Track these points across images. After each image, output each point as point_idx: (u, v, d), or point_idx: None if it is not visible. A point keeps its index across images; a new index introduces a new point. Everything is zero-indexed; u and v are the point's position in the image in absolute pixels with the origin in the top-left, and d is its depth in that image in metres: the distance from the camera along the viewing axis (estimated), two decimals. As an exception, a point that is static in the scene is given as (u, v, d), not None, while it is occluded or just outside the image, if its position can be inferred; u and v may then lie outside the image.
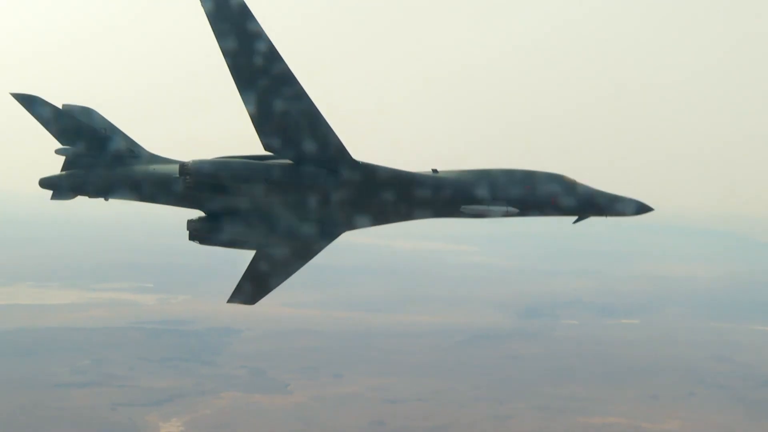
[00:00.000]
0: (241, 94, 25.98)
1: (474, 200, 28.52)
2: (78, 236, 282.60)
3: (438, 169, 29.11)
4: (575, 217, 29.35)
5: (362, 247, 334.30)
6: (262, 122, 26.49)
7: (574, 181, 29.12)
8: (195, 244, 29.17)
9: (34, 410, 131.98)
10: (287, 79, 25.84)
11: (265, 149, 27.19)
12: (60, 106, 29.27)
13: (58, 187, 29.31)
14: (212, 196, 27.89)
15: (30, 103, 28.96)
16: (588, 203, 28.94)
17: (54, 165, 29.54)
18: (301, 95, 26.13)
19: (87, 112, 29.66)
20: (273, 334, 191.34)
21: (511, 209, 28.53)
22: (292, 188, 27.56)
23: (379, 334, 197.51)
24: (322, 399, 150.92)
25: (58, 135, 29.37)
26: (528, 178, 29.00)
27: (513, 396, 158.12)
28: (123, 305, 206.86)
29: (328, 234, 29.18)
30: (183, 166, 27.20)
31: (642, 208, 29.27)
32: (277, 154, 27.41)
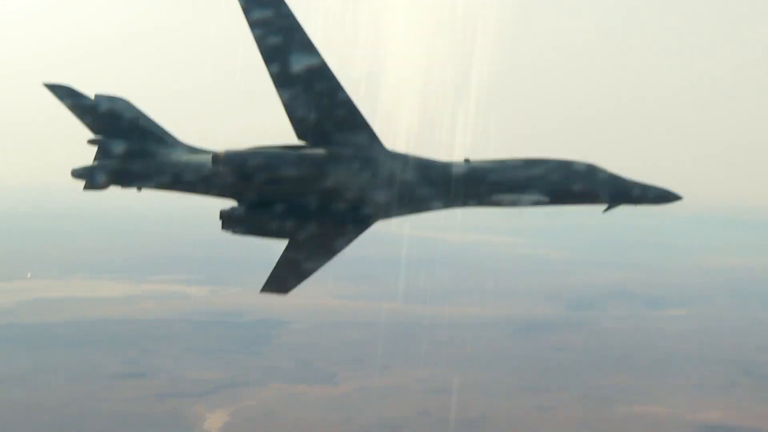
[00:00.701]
0: (274, 84, 26.38)
1: (506, 189, 28.64)
2: (125, 228, 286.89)
3: (470, 159, 29.26)
4: (605, 206, 29.34)
5: (414, 239, 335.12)
6: (295, 112, 26.90)
7: (605, 169, 29.10)
8: (230, 235, 29.20)
9: (82, 401, 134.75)
10: (321, 68, 26.22)
11: (299, 139, 27.64)
12: (92, 96, 29.36)
13: (91, 177, 29.26)
14: (245, 186, 28.07)
15: (62, 93, 29.04)
16: (618, 192, 28.99)
17: (86, 155, 29.56)
18: (334, 85, 26.54)
19: (119, 102, 29.72)
20: (321, 326, 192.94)
21: (542, 198, 28.66)
22: (325, 177, 27.72)
23: (427, 326, 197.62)
24: (367, 390, 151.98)
25: (91, 125, 29.46)
26: (559, 166, 29.03)
27: (557, 386, 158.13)
28: (174, 297, 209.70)
29: (361, 223, 29.24)
30: (216, 156, 27.45)
31: (671, 197, 29.28)
32: (310, 143, 27.76)
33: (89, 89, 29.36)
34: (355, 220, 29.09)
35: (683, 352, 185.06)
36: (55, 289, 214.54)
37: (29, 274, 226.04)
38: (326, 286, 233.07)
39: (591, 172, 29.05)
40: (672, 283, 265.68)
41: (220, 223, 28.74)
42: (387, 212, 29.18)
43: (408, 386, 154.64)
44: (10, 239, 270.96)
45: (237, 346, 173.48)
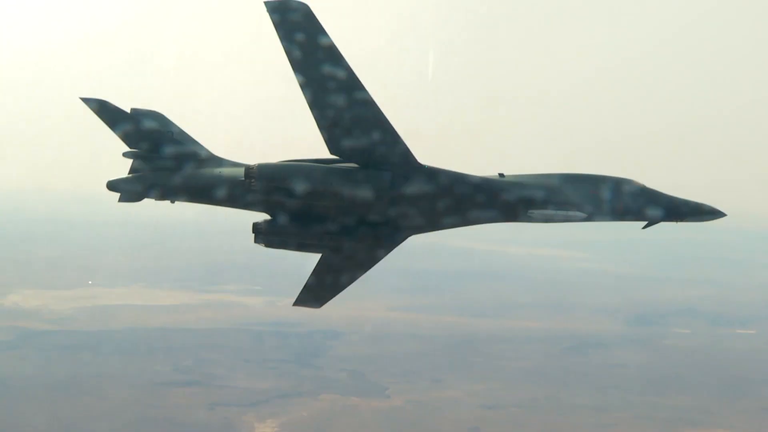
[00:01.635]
0: (306, 99, 26.30)
1: (541, 204, 28.41)
2: (183, 239, 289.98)
3: (504, 173, 29.05)
4: (645, 223, 28.93)
5: (474, 252, 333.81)
6: (327, 126, 26.80)
7: (644, 185, 28.86)
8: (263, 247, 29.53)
9: (133, 408, 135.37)
10: (352, 83, 26.06)
11: (331, 153, 27.58)
12: (128, 110, 29.83)
13: (126, 190, 29.80)
14: (278, 200, 28.18)
15: (99, 107, 29.58)
16: (658, 209, 28.55)
17: (121, 168, 30.29)
18: (366, 99, 26.36)
19: (155, 116, 30.13)
20: (376, 338, 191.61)
21: (579, 214, 28.33)
22: (357, 192, 27.62)
23: (484, 340, 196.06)
24: (419, 403, 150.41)
25: (126, 138, 29.97)
26: (596, 182, 28.75)
27: (616, 405, 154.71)
28: (231, 307, 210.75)
29: (394, 238, 29.39)
30: (248, 169, 27.55)
31: (714, 214, 28.71)
32: (343, 158, 27.75)
33: (125, 104, 30.04)
34: (388, 234, 29.23)
35: (750, 372, 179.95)
36: (115, 297, 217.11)
37: (90, 282, 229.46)
38: (383, 298, 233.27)
39: (629, 187, 28.74)
40: (740, 300, 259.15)
41: (252, 236, 29.02)
42: (420, 227, 29.33)
43: (460, 400, 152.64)
44: (68, 247, 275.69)
45: (291, 356, 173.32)
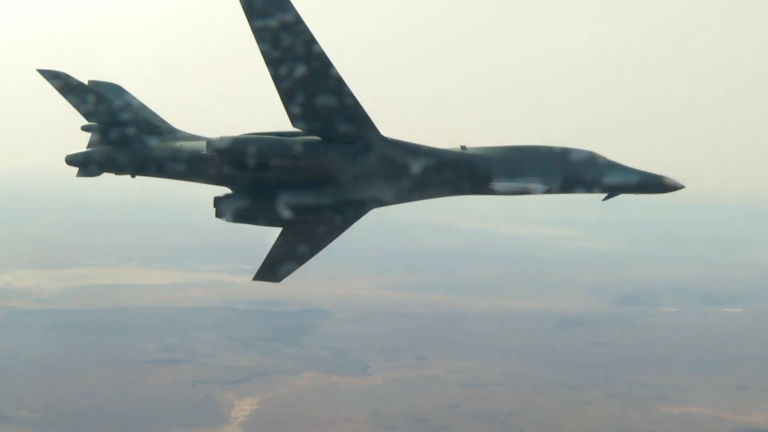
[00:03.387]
0: (269, 70, 25.96)
1: (503, 177, 28.55)
2: (175, 218, 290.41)
3: (466, 146, 29.07)
4: (605, 195, 29.26)
5: (466, 231, 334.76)
6: (290, 98, 26.55)
7: (604, 157, 29.00)
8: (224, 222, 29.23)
9: (117, 385, 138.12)
10: (317, 55, 25.80)
11: (293, 126, 27.42)
12: (86, 82, 29.50)
13: (85, 164, 29.47)
14: (240, 173, 27.88)
15: (56, 79, 28.93)
16: (618, 180, 28.77)
17: (80, 142, 29.85)
18: (330, 72, 26.15)
19: (113, 88, 30.04)
20: (363, 317, 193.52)
21: (540, 186, 28.55)
22: (320, 165, 27.56)
23: (469, 318, 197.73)
24: (399, 381, 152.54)
25: (84, 111, 29.58)
26: (557, 154, 28.92)
27: (594, 383, 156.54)
28: (221, 286, 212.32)
29: (356, 211, 29.08)
30: (210, 143, 27.41)
31: (673, 186, 29.07)
32: (305, 130, 27.65)
33: (84, 76, 29.62)
34: (351, 207, 28.95)
35: (733, 351, 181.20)
36: (107, 276, 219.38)
37: (83, 262, 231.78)
38: (373, 277, 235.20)
39: (591, 159, 28.89)
40: (730, 279, 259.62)
41: (213, 210, 28.67)
42: (382, 200, 29.11)
43: (442, 378, 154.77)
44: (60, 227, 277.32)
45: (276, 335, 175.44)
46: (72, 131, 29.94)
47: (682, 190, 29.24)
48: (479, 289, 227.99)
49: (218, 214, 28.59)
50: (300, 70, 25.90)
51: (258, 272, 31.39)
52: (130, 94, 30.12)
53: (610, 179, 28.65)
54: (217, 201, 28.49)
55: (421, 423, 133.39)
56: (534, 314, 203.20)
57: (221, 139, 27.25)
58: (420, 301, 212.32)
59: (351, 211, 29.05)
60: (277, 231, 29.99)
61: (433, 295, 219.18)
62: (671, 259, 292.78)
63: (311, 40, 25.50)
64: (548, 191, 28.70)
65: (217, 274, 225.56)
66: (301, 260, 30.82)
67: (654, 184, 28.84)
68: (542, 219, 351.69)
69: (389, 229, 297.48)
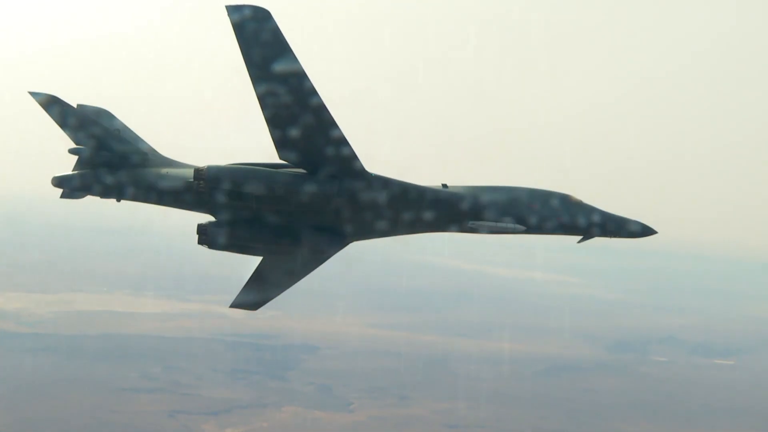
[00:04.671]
0: (260, 103, 26.41)
1: (481, 216, 29.04)
2: (173, 247, 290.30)
3: (447, 184, 29.63)
4: (580, 237, 29.75)
5: (464, 272, 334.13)
6: (278, 132, 26.96)
7: (580, 201, 29.59)
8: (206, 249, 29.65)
9: (94, 411, 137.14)
10: (307, 90, 26.22)
11: (280, 158, 27.82)
12: (75, 106, 29.87)
13: (70, 186, 29.79)
14: (224, 202, 28.29)
15: (46, 102, 29.41)
16: (593, 223, 29.37)
17: (67, 165, 30.14)
18: (319, 107, 26.55)
19: (102, 112, 30.42)
20: (351, 354, 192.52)
21: (518, 227, 28.98)
22: (304, 197, 27.87)
23: (458, 359, 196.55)
24: (382, 419, 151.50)
25: (72, 134, 29.87)
26: (535, 196, 29.50)
27: (580, 429, 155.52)
28: (212, 317, 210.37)
29: (337, 243, 29.66)
30: (198, 171, 27.79)
31: (646, 231, 29.48)
32: (292, 163, 28.10)
33: (73, 99, 30.03)
34: (331, 240, 29.43)
35: (721, 403, 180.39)
36: (97, 302, 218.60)
37: (105, 289, 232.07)
38: (366, 315, 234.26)
39: (567, 202, 29.43)
40: (724, 331, 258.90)
41: (196, 237, 29.10)
42: (363, 234, 29.71)
43: (424, 418, 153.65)
44: (56, 252, 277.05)
45: (262, 368, 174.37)
46: (59, 154, 30.27)
47: (655, 236, 29.80)
48: (470, 331, 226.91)
49: (200, 241, 29.08)
50: (288, 103, 26.30)
51: (235, 300, 31.76)
52: (117, 119, 30.48)
53: (586, 222, 29.29)
54: (201, 228, 29.00)
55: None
56: (523, 358, 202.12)
57: (208, 167, 27.82)
58: (409, 340, 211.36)
59: (332, 243, 29.51)
60: (257, 260, 30.42)
61: (424, 335, 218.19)
62: (666, 309, 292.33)
63: (301, 75, 25.94)
64: (525, 231, 29.07)
65: (209, 305, 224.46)
66: (278, 290, 31.37)
67: (627, 229, 29.36)
68: (540, 264, 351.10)
69: (386, 267, 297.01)
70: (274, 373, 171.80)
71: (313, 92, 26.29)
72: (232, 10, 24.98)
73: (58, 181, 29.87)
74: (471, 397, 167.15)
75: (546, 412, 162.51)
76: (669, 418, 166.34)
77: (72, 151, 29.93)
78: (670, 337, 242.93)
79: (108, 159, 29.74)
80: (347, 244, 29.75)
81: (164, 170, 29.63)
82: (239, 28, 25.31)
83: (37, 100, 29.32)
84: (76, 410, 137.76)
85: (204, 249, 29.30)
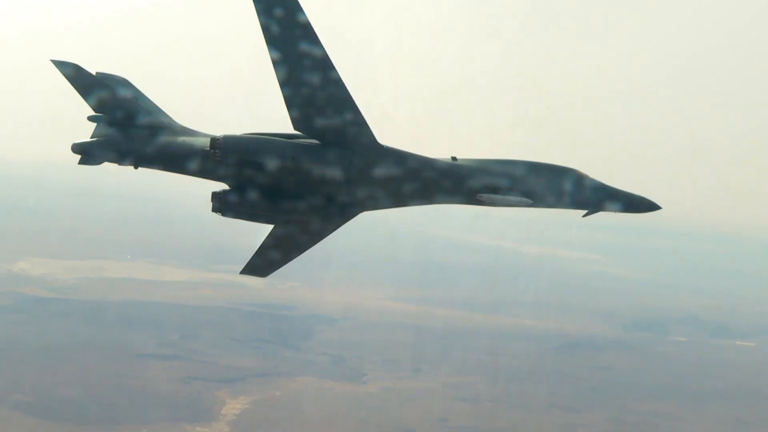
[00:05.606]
0: (277, 75, 27.02)
1: (490, 189, 29.67)
2: (200, 216, 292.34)
3: (457, 157, 30.32)
4: (585, 212, 30.33)
5: (489, 248, 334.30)
6: (294, 103, 27.65)
7: (587, 175, 30.12)
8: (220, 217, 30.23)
9: (112, 376, 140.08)
10: (324, 63, 26.89)
11: (295, 129, 28.50)
12: (94, 74, 30.33)
13: (89, 153, 30.15)
14: (239, 171, 28.93)
15: (68, 70, 29.85)
16: (598, 198, 30.03)
17: (87, 132, 30.34)
18: (336, 80, 27.27)
19: (120, 80, 30.77)
20: (368, 326, 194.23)
21: (525, 200, 29.65)
22: (317, 167, 28.63)
23: (474, 334, 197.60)
24: (394, 391, 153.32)
25: (92, 102, 30.40)
26: (542, 170, 30.02)
27: (589, 406, 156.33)
28: (232, 287, 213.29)
29: (347, 213, 30.31)
30: (214, 141, 28.43)
31: (650, 207, 30.08)
32: (306, 134, 28.81)
33: (94, 68, 30.31)
34: (342, 210, 30.20)
35: (739, 384, 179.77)
36: (120, 270, 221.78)
37: (129, 256, 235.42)
38: (387, 288, 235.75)
39: (574, 177, 30.05)
40: (746, 312, 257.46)
41: (210, 205, 29.74)
42: (373, 204, 30.32)
43: (435, 391, 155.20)
44: (79, 219, 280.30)
45: (278, 338, 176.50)
46: (80, 121, 30.68)
47: (659, 211, 30.20)
48: (489, 307, 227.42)
49: (214, 209, 29.65)
50: (305, 75, 27.00)
51: (246, 267, 32.40)
52: (136, 88, 30.93)
53: (591, 196, 29.88)
54: (215, 196, 29.61)
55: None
56: (540, 335, 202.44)
57: (225, 137, 28.44)
58: (428, 314, 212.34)
59: (342, 213, 30.19)
60: (268, 228, 31.08)
61: (442, 310, 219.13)
62: (688, 290, 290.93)
63: (320, 47, 26.66)
64: (532, 205, 29.79)
65: (230, 275, 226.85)
66: (288, 258, 31.90)
67: (632, 204, 29.95)
68: (564, 242, 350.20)
69: (408, 242, 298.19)
70: (290, 344, 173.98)
71: (330, 65, 26.97)
72: None
73: (78, 148, 30.34)
74: (483, 372, 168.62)
75: (558, 389, 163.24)
76: (683, 398, 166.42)
77: (91, 119, 30.59)
78: (690, 317, 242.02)
79: (126, 126, 30.29)
80: (357, 214, 30.45)
81: (181, 139, 30.15)
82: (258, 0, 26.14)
83: (59, 69, 29.95)
84: (95, 374, 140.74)
85: (217, 217, 30.04)
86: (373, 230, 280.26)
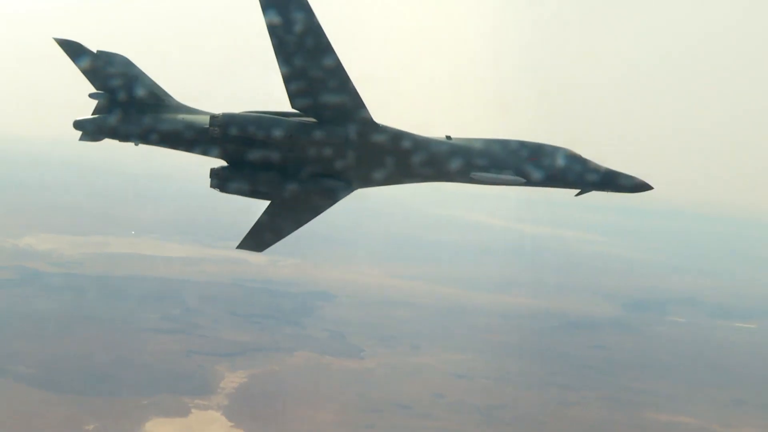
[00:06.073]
0: (275, 52, 27.58)
1: (483, 168, 30.37)
2: (204, 193, 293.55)
3: (451, 136, 30.87)
4: (578, 191, 31.04)
5: (491, 227, 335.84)
6: (292, 82, 28.24)
7: (579, 155, 30.75)
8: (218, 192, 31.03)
9: (114, 349, 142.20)
10: (321, 41, 27.38)
11: (293, 107, 29.10)
12: (95, 52, 30.66)
13: (90, 129, 30.83)
14: (237, 148, 29.83)
15: (70, 48, 30.39)
16: (590, 177, 30.69)
17: (88, 109, 31.11)
18: (332, 58, 27.76)
19: (120, 58, 31.28)
20: (368, 303, 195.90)
21: (518, 179, 30.30)
22: (313, 144, 29.35)
23: (473, 312, 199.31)
24: (391, 366, 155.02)
25: (93, 80, 31.10)
26: (536, 150, 30.67)
27: (587, 384, 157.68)
28: (235, 263, 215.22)
29: (342, 190, 30.96)
30: (213, 118, 29.34)
31: (642, 186, 30.71)
32: (304, 112, 29.43)
33: (95, 46, 30.96)
34: (338, 186, 31.00)
35: (737, 365, 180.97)
36: (125, 245, 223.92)
37: (133, 232, 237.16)
38: (387, 265, 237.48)
39: (567, 156, 30.73)
40: (746, 294, 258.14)
41: (209, 181, 30.63)
42: (368, 181, 31.12)
43: (433, 367, 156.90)
44: (84, 195, 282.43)
45: (278, 313, 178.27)
46: (81, 99, 31.36)
47: (651, 191, 30.89)
48: (489, 285, 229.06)
49: (213, 185, 30.47)
50: (303, 53, 27.56)
51: (242, 241, 33.05)
52: (136, 65, 31.50)
53: (584, 176, 30.60)
54: (213, 172, 30.54)
55: (402, 409, 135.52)
56: (538, 314, 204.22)
57: (224, 114, 29.32)
58: (428, 292, 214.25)
59: (338, 190, 30.91)
60: (264, 204, 31.80)
61: (443, 288, 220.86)
62: (688, 270, 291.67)
63: (316, 26, 27.25)
64: (525, 183, 30.47)
65: (232, 251, 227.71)
66: (283, 234, 32.61)
67: (623, 184, 30.56)
68: (567, 222, 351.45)
69: (410, 219, 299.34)
70: (290, 319, 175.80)
71: (327, 44, 27.53)
72: None
73: (78, 125, 31.10)
74: (481, 350, 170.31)
75: (555, 367, 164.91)
76: (681, 378, 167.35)
77: (92, 96, 31.13)
78: (691, 298, 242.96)
79: (126, 104, 30.89)
80: (353, 190, 31.18)
81: (181, 116, 30.84)
82: None
83: (61, 47, 30.55)
84: (97, 347, 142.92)
85: (218, 193, 30.79)
86: (374, 208, 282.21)
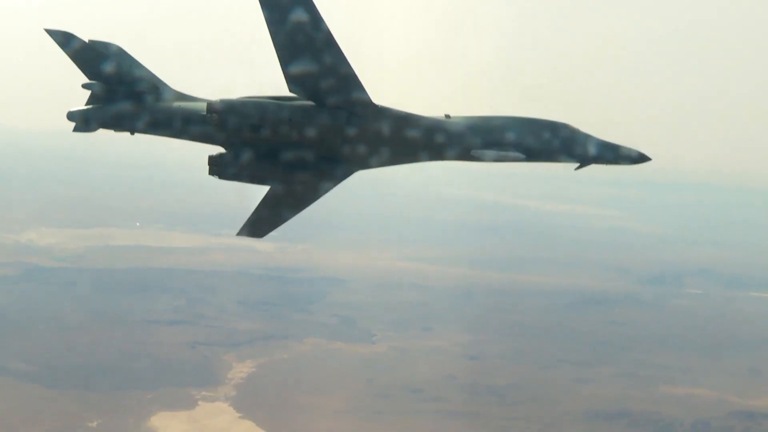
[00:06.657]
0: (271, 36, 27.08)
1: (483, 145, 30.00)
2: (207, 183, 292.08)
3: (450, 115, 30.44)
4: (577, 165, 30.74)
5: (505, 206, 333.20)
6: (289, 65, 27.64)
7: (578, 129, 30.44)
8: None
9: (118, 343, 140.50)
10: (317, 24, 26.94)
11: (290, 91, 28.55)
12: (87, 41, 30.30)
13: (85, 120, 30.36)
14: (236, 134, 29.17)
15: (62, 39, 29.93)
16: (590, 151, 30.45)
17: (82, 100, 30.55)
18: (329, 40, 27.27)
19: (113, 48, 30.67)
20: (378, 287, 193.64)
21: (518, 155, 29.95)
22: (312, 128, 28.79)
23: (486, 293, 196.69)
24: (403, 350, 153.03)
25: (86, 70, 30.47)
26: (534, 125, 30.34)
27: (602, 361, 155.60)
28: (242, 251, 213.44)
29: (342, 173, 30.55)
30: (211, 105, 28.65)
31: (641, 158, 30.56)
32: (301, 95, 28.84)
33: (87, 36, 30.42)
34: (337, 170, 30.40)
35: (752, 335, 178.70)
36: (129, 237, 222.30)
37: (138, 224, 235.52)
38: (397, 248, 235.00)
39: (566, 131, 30.39)
40: (761, 264, 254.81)
41: (207, 168, 29.78)
42: (368, 163, 30.62)
43: (445, 350, 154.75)
44: (93, 188, 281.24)
45: (287, 301, 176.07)
46: (74, 90, 30.90)
47: (650, 162, 30.62)
48: (504, 265, 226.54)
49: (211, 172, 29.76)
50: (299, 36, 27.00)
51: (242, 228, 32.36)
52: (129, 54, 30.77)
53: (583, 150, 30.30)
54: (212, 159, 29.73)
55: (413, 392, 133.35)
56: (553, 291, 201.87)
57: (221, 101, 28.57)
58: (439, 273, 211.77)
59: (337, 173, 30.37)
60: (264, 190, 31.04)
61: (455, 268, 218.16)
62: (703, 242, 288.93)
63: (312, 7, 26.69)
64: (526, 159, 30.02)
65: (239, 239, 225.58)
66: (283, 219, 32.01)
67: (623, 156, 30.39)
68: (583, 198, 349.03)
69: (421, 200, 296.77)
70: (299, 306, 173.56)
71: (324, 26, 27.00)
72: None
73: (72, 116, 30.51)
74: (494, 330, 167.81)
75: (569, 344, 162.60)
76: (696, 350, 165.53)
77: (85, 86, 30.48)
78: (706, 269, 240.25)
79: (120, 93, 30.31)
80: (352, 173, 30.66)
81: (176, 104, 30.29)
82: None
83: (53, 38, 30.03)
84: (101, 342, 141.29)
85: (217, 180, 30.06)
86: (380, 190, 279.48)
